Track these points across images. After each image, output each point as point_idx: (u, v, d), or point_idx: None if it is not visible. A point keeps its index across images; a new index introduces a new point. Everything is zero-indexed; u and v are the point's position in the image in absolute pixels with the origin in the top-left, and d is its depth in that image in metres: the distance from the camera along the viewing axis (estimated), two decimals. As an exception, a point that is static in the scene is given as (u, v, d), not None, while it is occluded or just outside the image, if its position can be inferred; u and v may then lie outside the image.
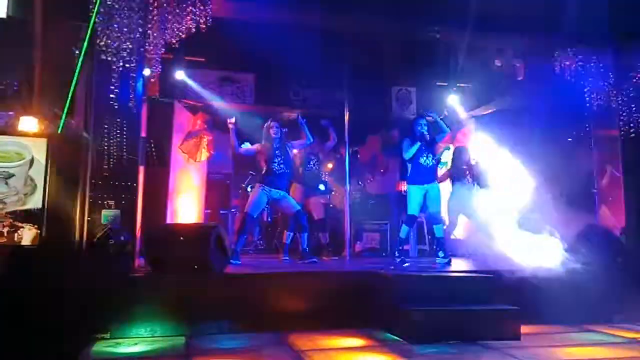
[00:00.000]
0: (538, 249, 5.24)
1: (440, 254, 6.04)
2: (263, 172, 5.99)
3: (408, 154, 5.94)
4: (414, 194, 5.98)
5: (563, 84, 6.17)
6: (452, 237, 7.08)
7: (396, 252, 6.13)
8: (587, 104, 6.20)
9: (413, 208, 5.98)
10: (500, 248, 5.68)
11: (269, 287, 4.59)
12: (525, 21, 5.58)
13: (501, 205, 6.23)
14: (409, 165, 6.10)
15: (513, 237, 5.72)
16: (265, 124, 6.00)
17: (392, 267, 5.47)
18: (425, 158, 5.97)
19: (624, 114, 6.05)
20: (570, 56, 6.09)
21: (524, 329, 4.19)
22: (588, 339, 4.33)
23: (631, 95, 6.02)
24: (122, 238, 4.46)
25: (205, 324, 4.28)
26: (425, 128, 5.96)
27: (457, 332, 4.05)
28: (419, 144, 5.92)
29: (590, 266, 4.78)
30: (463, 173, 6.90)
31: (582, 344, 4.16)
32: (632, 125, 5.97)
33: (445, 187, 6.83)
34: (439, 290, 4.44)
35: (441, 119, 6.25)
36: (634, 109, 5.97)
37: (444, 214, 6.66)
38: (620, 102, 6.09)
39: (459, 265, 5.92)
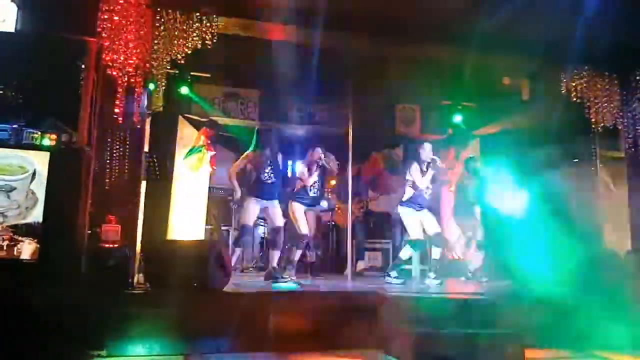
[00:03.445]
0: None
1: (432, 274, 6.08)
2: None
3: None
4: None
5: (569, 104, 6.14)
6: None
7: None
8: (593, 125, 6.16)
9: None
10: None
11: (268, 306, 4.52)
12: (531, 41, 5.57)
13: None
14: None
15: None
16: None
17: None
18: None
19: (630, 135, 6.02)
20: (576, 76, 6.07)
21: (528, 353, 4.11)
22: (593, 365, 4.25)
23: (637, 116, 5.99)
24: (121, 254, 4.42)
25: (204, 343, 4.21)
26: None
27: (457, 355, 3.96)
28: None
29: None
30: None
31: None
32: (638, 146, 5.94)
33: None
34: (439, 313, 4.37)
35: None
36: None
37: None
38: (626, 123, 6.07)
39: (459, 287, 5.86)
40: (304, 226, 6.05)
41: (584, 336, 4.46)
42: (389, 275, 6.02)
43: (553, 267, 4.92)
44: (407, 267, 6.76)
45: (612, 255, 5.55)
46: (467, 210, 6.87)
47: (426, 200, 6.08)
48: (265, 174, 5.88)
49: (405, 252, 6.11)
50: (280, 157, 6.16)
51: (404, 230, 6.84)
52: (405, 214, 6.08)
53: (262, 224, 7.75)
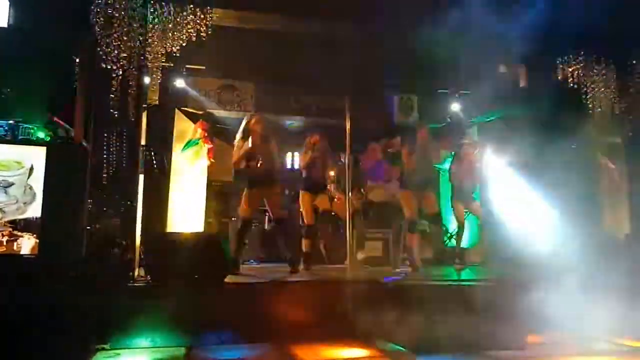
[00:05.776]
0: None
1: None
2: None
3: None
4: None
5: (566, 91, 6.13)
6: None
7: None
8: (590, 111, 6.15)
9: None
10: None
11: (270, 297, 4.53)
12: (527, 27, 5.55)
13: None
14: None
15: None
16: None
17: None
18: None
19: (628, 119, 6.03)
20: (572, 63, 6.05)
21: (530, 338, 4.14)
22: (594, 348, 4.28)
23: (634, 101, 5.99)
24: (121, 247, 4.42)
25: (206, 335, 4.23)
26: None
27: (461, 342, 3.99)
28: None
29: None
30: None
31: (587, 353, 4.11)
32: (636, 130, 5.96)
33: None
34: (443, 300, 4.39)
35: None
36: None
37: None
38: (624, 108, 6.07)
39: (464, 274, 5.88)
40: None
41: (585, 320, 4.49)
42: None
43: (554, 251, 4.94)
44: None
45: (611, 238, 5.58)
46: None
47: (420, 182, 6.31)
48: None
49: None
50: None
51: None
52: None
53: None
